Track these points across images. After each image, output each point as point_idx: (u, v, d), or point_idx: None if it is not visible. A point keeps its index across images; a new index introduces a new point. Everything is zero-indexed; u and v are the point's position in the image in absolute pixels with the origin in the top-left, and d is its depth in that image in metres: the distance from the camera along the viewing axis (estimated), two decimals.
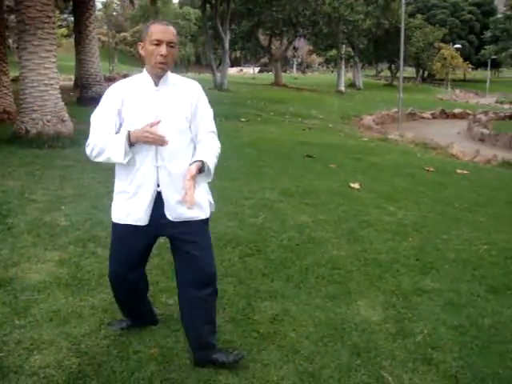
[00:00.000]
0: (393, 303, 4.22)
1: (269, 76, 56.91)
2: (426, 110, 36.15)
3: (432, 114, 35.73)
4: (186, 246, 3.00)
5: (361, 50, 51.98)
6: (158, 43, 2.76)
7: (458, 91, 66.94)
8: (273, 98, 28.02)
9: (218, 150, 3.06)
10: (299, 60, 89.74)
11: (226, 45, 31.72)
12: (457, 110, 37.64)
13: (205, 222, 3.07)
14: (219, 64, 36.97)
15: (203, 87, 3.17)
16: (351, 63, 55.50)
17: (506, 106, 47.15)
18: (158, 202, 2.93)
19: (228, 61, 32.90)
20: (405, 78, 46.55)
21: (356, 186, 8.37)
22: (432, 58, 63.72)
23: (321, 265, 4.91)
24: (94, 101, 17.84)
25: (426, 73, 78.69)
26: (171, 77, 2.96)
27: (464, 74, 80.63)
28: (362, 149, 13.83)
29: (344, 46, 46.48)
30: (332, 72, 76.18)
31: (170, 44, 2.79)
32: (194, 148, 3.01)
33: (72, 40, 26.74)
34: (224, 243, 5.21)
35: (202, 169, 2.86)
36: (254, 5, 35.77)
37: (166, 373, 3.10)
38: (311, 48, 62.55)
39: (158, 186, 2.92)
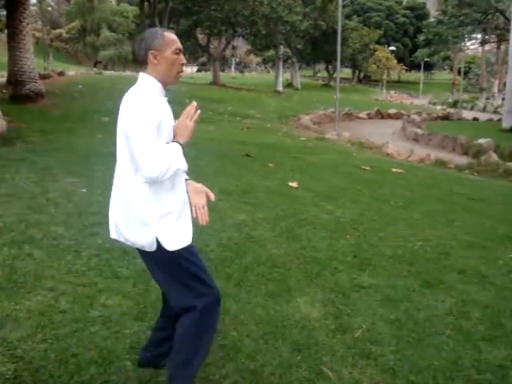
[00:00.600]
0: (332, 300, 4.29)
1: (207, 75, 56.58)
2: (362, 110, 36.81)
3: (368, 114, 36.43)
4: None
5: (298, 51, 52.51)
6: (179, 52, 2.67)
7: (392, 92, 68.59)
8: (211, 98, 27.91)
9: None
10: (237, 60, 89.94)
11: None
12: (392, 111, 38.52)
13: None
14: None
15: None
16: (289, 64, 55.99)
17: (438, 107, 48.71)
18: None
19: None
20: (341, 78, 47.28)
21: (294, 184, 8.46)
22: (367, 60, 65.08)
23: (260, 263, 4.94)
24: (29, 98, 17.27)
25: (362, 74, 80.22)
26: None
27: (398, 76, 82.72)
28: (300, 148, 13.98)
29: (282, 46, 46.83)
30: (269, 72, 76.68)
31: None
32: None
33: (3, 35, 25.73)
34: None
35: None
36: (193, 3, 35.64)
37: (106, 375, 3.05)
38: (249, 48, 62.77)
39: None
